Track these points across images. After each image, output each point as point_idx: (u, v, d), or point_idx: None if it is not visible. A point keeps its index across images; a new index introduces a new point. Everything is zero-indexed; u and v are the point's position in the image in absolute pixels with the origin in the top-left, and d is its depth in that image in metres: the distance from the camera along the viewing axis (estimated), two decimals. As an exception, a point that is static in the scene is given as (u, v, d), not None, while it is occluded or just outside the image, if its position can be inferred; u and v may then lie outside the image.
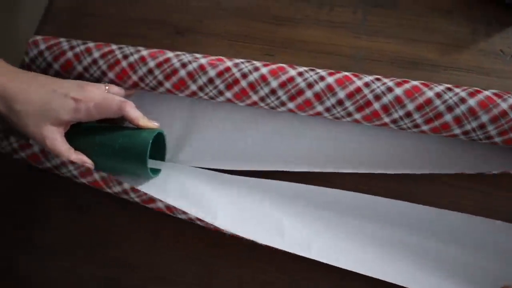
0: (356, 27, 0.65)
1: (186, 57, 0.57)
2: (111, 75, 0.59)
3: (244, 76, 0.55)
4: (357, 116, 0.53)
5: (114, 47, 0.59)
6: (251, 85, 0.55)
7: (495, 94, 0.50)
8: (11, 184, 0.63)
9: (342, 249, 0.53)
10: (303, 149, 0.58)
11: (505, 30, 0.62)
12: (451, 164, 0.55)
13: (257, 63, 0.56)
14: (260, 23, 0.67)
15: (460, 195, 0.55)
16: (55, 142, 0.53)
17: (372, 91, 0.52)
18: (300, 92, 0.54)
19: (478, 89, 0.51)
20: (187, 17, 0.69)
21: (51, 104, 0.53)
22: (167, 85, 0.57)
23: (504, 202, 0.54)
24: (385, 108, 0.51)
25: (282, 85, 0.54)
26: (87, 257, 0.59)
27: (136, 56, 0.58)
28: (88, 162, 0.55)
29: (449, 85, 0.51)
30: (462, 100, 0.49)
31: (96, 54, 0.59)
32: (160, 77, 0.57)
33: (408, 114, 0.51)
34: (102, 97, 0.55)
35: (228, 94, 0.56)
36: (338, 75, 0.54)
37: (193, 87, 0.57)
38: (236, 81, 0.55)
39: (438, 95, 0.50)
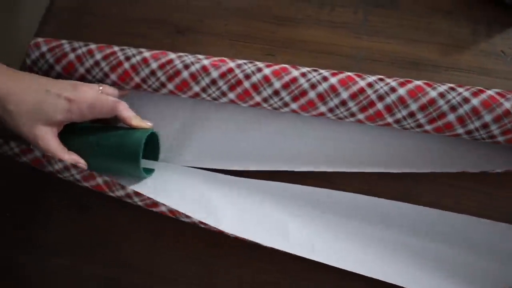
0: (357, 27, 0.65)
1: (189, 58, 0.57)
2: (113, 76, 0.59)
3: (247, 77, 0.55)
4: (361, 116, 0.53)
5: (116, 48, 0.59)
6: (254, 86, 0.55)
7: (498, 94, 0.50)
8: (12, 184, 0.63)
9: (345, 250, 0.53)
10: (306, 149, 0.58)
11: (506, 31, 0.62)
12: (454, 163, 0.55)
13: (260, 64, 0.56)
14: (261, 23, 0.67)
15: (461, 195, 0.55)
16: (48, 142, 0.53)
17: (375, 91, 0.52)
18: (303, 93, 0.54)
19: (481, 88, 0.51)
20: (187, 16, 0.69)
21: (44, 104, 0.52)
22: (170, 86, 0.57)
23: (505, 203, 0.54)
24: (389, 108, 0.52)
25: (285, 86, 0.54)
26: (87, 257, 0.59)
27: (138, 57, 0.58)
28: (81, 162, 0.55)
29: (452, 85, 0.52)
30: (465, 100, 0.50)
31: (98, 56, 0.59)
32: (163, 78, 0.57)
33: (412, 114, 0.51)
34: (95, 97, 0.55)
35: (231, 95, 0.56)
36: (341, 76, 0.54)
37: (196, 88, 0.57)
38: (239, 82, 0.55)
39: (441, 95, 0.50)
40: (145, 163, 0.57)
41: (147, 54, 0.58)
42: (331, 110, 0.54)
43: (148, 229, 0.59)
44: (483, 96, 0.50)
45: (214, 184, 0.59)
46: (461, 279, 0.50)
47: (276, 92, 0.54)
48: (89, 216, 0.60)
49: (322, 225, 0.55)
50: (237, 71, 0.56)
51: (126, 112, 0.56)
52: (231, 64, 0.56)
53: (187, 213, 0.52)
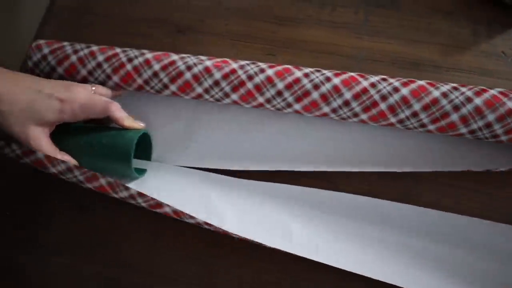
0: (358, 27, 0.65)
1: (191, 59, 0.57)
2: (115, 78, 0.59)
3: (250, 78, 0.55)
4: (364, 116, 0.53)
5: (118, 50, 0.59)
6: (257, 87, 0.55)
7: (501, 93, 0.50)
8: (13, 184, 0.63)
9: (345, 251, 0.53)
10: (307, 149, 0.59)
11: (507, 32, 0.62)
12: (457, 163, 0.55)
13: (263, 65, 0.56)
14: (262, 22, 0.68)
15: (461, 195, 0.55)
16: (40, 142, 0.53)
17: (378, 91, 0.52)
18: (307, 93, 0.54)
19: (484, 88, 0.51)
20: (188, 16, 0.69)
21: (36, 105, 0.52)
22: (173, 88, 0.57)
23: (505, 203, 0.54)
24: (392, 108, 0.52)
25: (288, 86, 0.54)
26: (88, 257, 0.59)
27: (140, 59, 0.58)
28: (73, 163, 0.55)
29: (455, 85, 0.52)
30: (468, 100, 0.50)
31: (100, 58, 0.59)
32: (166, 80, 0.57)
33: (415, 114, 0.51)
34: (88, 97, 0.55)
35: (234, 96, 0.56)
36: (344, 76, 0.54)
37: (199, 90, 0.57)
38: (242, 83, 0.55)
39: (444, 95, 0.50)
40: (137, 163, 0.57)
41: (149, 55, 0.58)
42: (334, 110, 0.54)
43: (148, 229, 0.59)
44: (486, 95, 0.50)
45: (212, 185, 0.59)
46: (461, 280, 0.51)
47: (279, 93, 0.54)
48: (90, 216, 0.60)
49: (322, 225, 0.55)
50: (240, 72, 0.56)
51: (118, 112, 0.56)
52: (234, 65, 0.56)
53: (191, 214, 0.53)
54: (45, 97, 0.53)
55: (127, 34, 0.69)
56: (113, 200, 0.56)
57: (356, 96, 0.52)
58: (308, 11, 0.67)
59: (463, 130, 0.50)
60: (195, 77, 0.56)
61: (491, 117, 0.49)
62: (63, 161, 0.53)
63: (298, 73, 0.55)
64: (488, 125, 0.49)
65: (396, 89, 0.52)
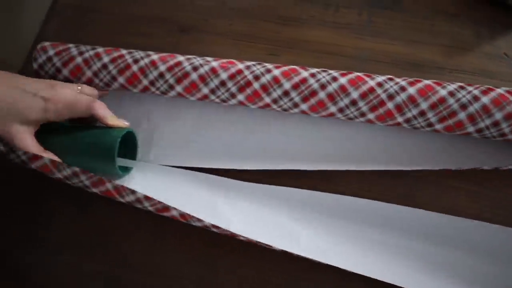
0: (361, 28, 0.66)
1: (197, 60, 0.57)
2: (121, 79, 0.59)
3: (257, 78, 0.55)
4: (371, 116, 0.53)
5: (124, 51, 0.59)
6: (264, 87, 0.55)
7: (508, 92, 0.50)
8: (14, 184, 0.63)
9: (345, 253, 0.53)
10: (312, 148, 0.59)
11: (509, 33, 0.62)
12: (464, 162, 0.55)
13: (269, 65, 0.56)
14: (265, 22, 0.68)
15: (461, 195, 0.55)
16: (24, 141, 0.53)
17: (385, 90, 0.52)
18: (313, 93, 0.54)
19: (491, 87, 0.51)
20: (192, 15, 0.70)
21: (20, 104, 0.52)
22: (179, 88, 0.57)
23: (506, 204, 0.54)
24: (399, 108, 0.52)
25: (295, 86, 0.54)
26: (88, 256, 0.59)
27: (146, 60, 0.58)
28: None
29: (461, 84, 0.52)
30: (476, 98, 0.50)
31: (106, 59, 0.59)
32: (171, 80, 0.57)
33: (422, 113, 0.51)
34: (72, 96, 0.54)
35: (241, 97, 0.56)
36: (351, 76, 0.54)
37: (205, 90, 0.57)
38: (248, 83, 0.55)
39: (452, 94, 0.51)
40: (121, 162, 0.57)
41: (155, 56, 0.58)
42: (341, 110, 0.54)
43: (148, 229, 0.59)
44: (493, 94, 0.50)
45: (200, 183, 0.59)
46: (461, 282, 0.51)
47: (286, 93, 0.54)
48: (90, 216, 0.60)
49: (322, 228, 0.55)
50: (246, 72, 0.56)
51: (102, 111, 0.56)
52: (240, 66, 0.56)
53: (199, 217, 0.53)
54: (29, 96, 0.53)
55: (130, 33, 0.69)
56: (112, 200, 0.56)
57: (363, 96, 0.52)
58: (311, 12, 0.68)
59: (471, 129, 0.50)
60: (201, 78, 0.56)
61: (498, 116, 0.49)
62: (68, 166, 0.53)
63: (304, 73, 0.55)
64: (496, 124, 0.49)
65: (403, 88, 0.52)
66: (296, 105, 0.55)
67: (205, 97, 0.58)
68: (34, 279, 0.59)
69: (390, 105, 0.52)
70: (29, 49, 0.70)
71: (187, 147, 0.61)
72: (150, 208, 0.54)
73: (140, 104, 0.64)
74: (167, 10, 0.71)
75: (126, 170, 0.59)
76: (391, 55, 0.63)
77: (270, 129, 0.60)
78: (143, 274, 0.57)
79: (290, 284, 0.54)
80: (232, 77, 0.56)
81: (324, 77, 0.54)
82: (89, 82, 0.60)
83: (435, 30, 0.64)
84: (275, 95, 0.55)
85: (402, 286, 0.50)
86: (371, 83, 0.53)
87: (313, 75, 0.54)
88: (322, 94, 0.53)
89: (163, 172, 0.60)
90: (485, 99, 0.50)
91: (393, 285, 0.50)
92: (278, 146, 0.59)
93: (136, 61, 0.58)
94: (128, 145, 0.59)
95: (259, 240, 0.52)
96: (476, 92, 0.50)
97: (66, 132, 0.57)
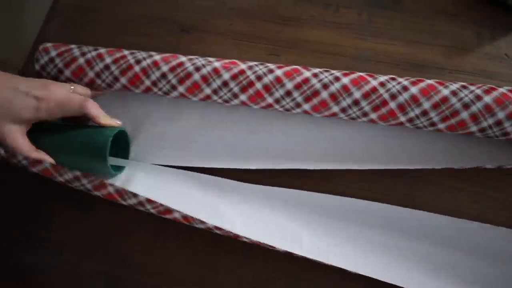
0: (361, 28, 0.66)
1: (200, 60, 0.57)
2: (123, 80, 0.59)
3: (259, 78, 0.55)
4: (373, 116, 0.53)
5: (126, 52, 0.59)
6: (266, 87, 0.55)
7: (510, 91, 0.50)
8: (15, 184, 0.63)
9: (345, 254, 0.53)
10: (314, 148, 0.59)
11: (510, 34, 0.62)
12: (467, 161, 0.55)
13: (271, 65, 0.56)
14: (266, 22, 0.68)
15: (461, 195, 0.55)
16: (16, 140, 0.53)
17: (387, 90, 0.52)
18: (316, 93, 0.54)
19: (493, 86, 0.51)
20: (192, 15, 0.70)
21: (12, 103, 0.52)
22: (181, 89, 0.57)
23: (506, 205, 0.54)
24: (401, 107, 0.52)
25: (297, 86, 0.54)
26: (88, 256, 0.59)
27: (148, 60, 0.58)
28: (50, 161, 0.55)
29: (463, 83, 0.52)
30: (478, 98, 0.50)
31: (108, 60, 0.59)
32: (174, 81, 0.57)
33: (425, 113, 0.51)
34: (65, 95, 0.55)
35: (243, 97, 0.56)
36: (353, 76, 0.54)
37: (207, 91, 0.57)
38: (251, 84, 0.55)
39: (454, 93, 0.51)
40: (113, 161, 0.57)
41: (157, 57, 0.58)
42: (343, 110, 0.54)
43: (148, 229, 0.59)
44: (495, 93, 0.50)
45: (193, 183, 0.59)
46: (461, 283, 0.51)
47: (288, 93, 0.54)
48: (90, 216, 0.61)
49: (321, 229, 0.55)
50: (248, 72, 0.56)
51: (95, 110, 0.56)
52: (243, 66, 0.56)
53: (202, 219, 0.53)
54: (21, 95, 0.53)
55: (131, 33, 0.69)
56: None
57: (366, 95, 0.53)
58: (311, 12, 0.68)
59: (473, 128, 0.51)
60: (204, 78, 0.56)
61: (501, 115, 0.49)
62: (70, 171, 0.53)
63: (307, 73, 0.55)
64: (499, 123, 0.49)
65: (405, 88, 0.52)
66: (298, 105, 0.55)
67: (208, 97, 0.58)
68: (34, 279, 0.59)
69: (392, 104, 0.52)
70: (29, 49, 0.70)
71: (189, 147, 0.61)
72: (153, 211, 0.54)
73: (143, 105, 0.63)
74: (167, 10, 0.71)
75: (118, 169, 0.59)
76: (392, 55, 0.63)
77: (272, 129, 0.60)
78: (143, 274, 0.57)
79: (290, 284, 0.54)
80: (234, 77, 0.56)
81: (326, 77, 0.54)
82: (91, 83, 0.60)
83: (435, 30, 0.64)
84: (277, 95, 0.55)
85: (403, 286, 0.50)
86: (374, 83, 0.53)
87: (315, 75, 0.54)
88: (324, 94, 0.53)
89: (155, 172, 0.60)
90: (487, 99, 0.50)
91: (393, 285, 0.50)
92: (280, 146, 0.59)
93: (138, 61, 0.58)
94: (120, 144, 0.59)
95: (262, 241, 0.52)
96: (478, 91, 0.50)
97: (59, 131, 0.57)
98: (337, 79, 0.54)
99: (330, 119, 0.58)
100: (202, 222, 0.53)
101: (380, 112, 0.53)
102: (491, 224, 0.53)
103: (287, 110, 0.56)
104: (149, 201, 0.53)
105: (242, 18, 0.69)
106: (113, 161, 0.57)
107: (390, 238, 0.54)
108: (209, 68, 0.56)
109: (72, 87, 0.56)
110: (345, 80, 0.53)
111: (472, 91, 0.51)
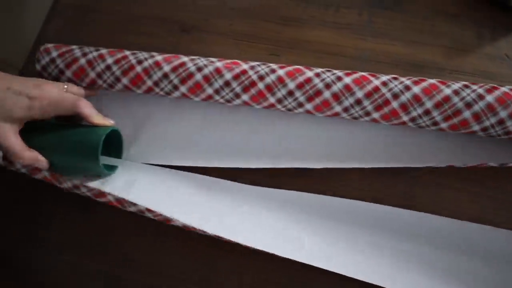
0: (362, 28, 0.66)
1: (202, 61, 0.57)
2: (125, 80, 0.59)
3: (261, 78, 0.55)
4: (376, 115, 0.53)
5: (127, 52, 0.59)
6: (268, 87, 0.55)
7: (513, 90, 0.50)
8: (15, 184, 0.63)
9: (346, 256, 0.53)
10: (315, 147, 0.59)
11: (511, 35, 0.62)
12: (468, 159, 0.55)
13: (273, 65, 0.56)
14: (266, 23, 0.68)
15: (461, 196, 0.55)
16: (8, 139, 0.53)
17: (390, 90, 0.52)
18: (318, 92, 0.54)
19: (495, 85, 0.51)
20: (193, 15, 0.70)
21: (4, 102, 0.52)
22: (183, 89, 0.57)
23: (506, 206, 0.54)
24: (404, 107, 0.52)
25: (300, 86, 0.54)
26: (88, 256, 0.59)
27: (150, 61, 0.58)
28: (42, 160, 0.55)
29: (465, 83, 0.52)
30: (480, 97, 0.50)
31: (109, 60, 0.59)
32: (176, 81, 0.57)
33: (427, 112, 0.51)
34: (58, 94, 0.55)
35: (245, 97, 0.56)
36: (355, 75, 0.54)
37: (209, 91, 0.57)
38: (253, 84, 0.55)
39: (456, 92, 0.51)
40: (105, 160, 0.57)
41: (159, 57, 0.58)
42: (346, 109, 0.54)
43: (149, 229, 0.59)
44: (497, 92, 0.50)
45: (184, 182, 0.59)
46: (461, 284, 0.51)
47: (291, 93, 0.54)
48: (90, 216, 0.61)
49: (321, 230, 0.55)
50: (250, 72, 0.56)
51: (88, 109, 0.55)
52: (245, 66, 0.56)
53: (201, 227, 0.54)
54: (13, 94, 0.53)
55: (131, 33, 0.69)
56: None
57: (368, 95, 0.53)
58: (312, 12, 0.68)
59: (476, 127, 0.51)
60: (206, 78, 0.56)
61: (503, 114, 0.49)
62: (69, 179, 0.54)
63: (309, 73, 0.55)
64: (501, 122, 0.50)
65: (407, 88, 0.52)
66: (300, 104, 0.55)
67: (210, 97, 0.58)
68: (34, 279, 0.59)
69: (395, 104, 0.52)
70: (30, 49, 0.69)
71: (191, 147, 0.61)
72: (154, 219, 0.55)
73: (144, 105, 0.63)
74: (167, 9, 0.71)
75: (111, 168, 0.59)
76: (392, 55, 0.63)
77: (274, 129, 0.60)
78: (143, 274, 0.57)
79: (290, 284, 0.54)
80: (236, 77, 0.56)
81: (328, 76, 0.54)
82: (93, 84, 0.60)
83: (435, 30, 0.64)
84: (279, 95, 0.55)
85: None
86: (376, 82, 0.53)
87: (317, 74, 0.55)
88: (327, 94, 0.54)
89: (149, 171, 0.60)
90: (489, 98, 0.50)
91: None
92: (283, 146, 0.59)
93: (140, 62, 0.58)
94: (113, 144, 0.59)
95: (263, 249, 0.53)
96: (480, 90, 0.51)
97: (52, 130, 0.57)
98: (339, 78, 0.54)
99: (332, 118, 0.58)
100: (203, 231, 0.53)
101: (383, 111, 0.53)
102: (491, 224, 0.53)
103: (289, 110, 0.56)
104: (148, 210, 0.54)
105: (242, 18, 0.69)
106: (105, 160, 0.57)
107: (388, 239, 0.54)
108: (211, 68, 0.56)
109: (66, 86, 0.56)
110: (348, 80, 0.53)
111: (474, 90, 0.51)
